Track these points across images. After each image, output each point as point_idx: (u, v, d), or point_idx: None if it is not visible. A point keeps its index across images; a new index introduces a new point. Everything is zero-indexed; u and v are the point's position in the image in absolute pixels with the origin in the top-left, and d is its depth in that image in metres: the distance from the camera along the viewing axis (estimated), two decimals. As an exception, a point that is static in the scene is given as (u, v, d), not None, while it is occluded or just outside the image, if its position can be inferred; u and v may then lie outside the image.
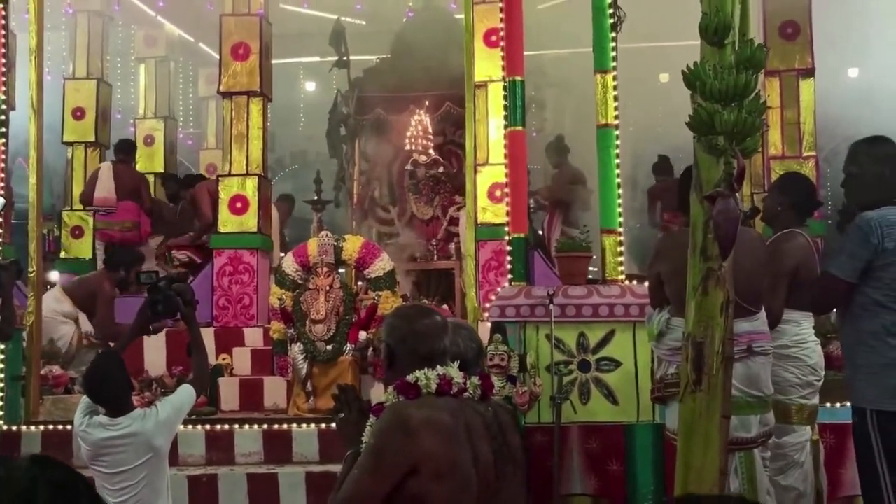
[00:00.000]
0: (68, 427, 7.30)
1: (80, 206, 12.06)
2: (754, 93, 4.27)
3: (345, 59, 12.37)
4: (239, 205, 9.90)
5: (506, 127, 7.30)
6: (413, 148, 11.37)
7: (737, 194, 4.15)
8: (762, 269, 5.37)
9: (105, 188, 11.55)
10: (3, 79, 8.00)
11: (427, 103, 11.59)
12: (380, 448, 3.21)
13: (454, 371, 3.39)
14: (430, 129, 11.41)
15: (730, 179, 4.14)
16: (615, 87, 7.20)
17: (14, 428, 7.65)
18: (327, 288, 8.38)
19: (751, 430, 5.23)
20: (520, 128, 7.24)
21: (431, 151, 11.34)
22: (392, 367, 3.43)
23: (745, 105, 4.16)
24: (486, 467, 3.33)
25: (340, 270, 9.37)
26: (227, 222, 9.93)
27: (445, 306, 10.48)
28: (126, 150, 12.04)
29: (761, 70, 4.35)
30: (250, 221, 9.90)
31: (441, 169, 11.32)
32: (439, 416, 3.22)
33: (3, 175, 7.91)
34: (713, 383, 4.29)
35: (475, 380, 3.52)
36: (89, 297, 9.29)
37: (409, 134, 11.40)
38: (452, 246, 11.18)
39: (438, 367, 3.40)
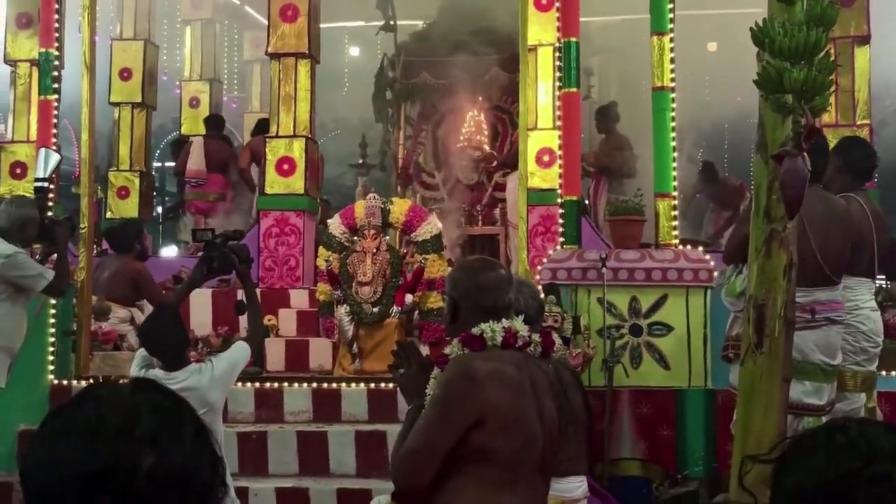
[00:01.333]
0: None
1: (127, 167, 12.15)
2: (824, 51, 4.20)
3: (392, 22, 12.30)
4: (286, 166, 9.88)
5: (559, 89, 7.25)
6: (467, 144, 11.29)
7: (805, 154, 4.09)
8: (848, 235, 5.32)
9: (197, 161, 11.83)
10: (57, 35, 8.02)
11: (474, 67, 11.51)
12: (445, 399, 3.19)
13: (519, 324, 3.36)
14: (485, 125, 11.32)
15: (798, 139, 4.08)
16: (672, 50, 7.12)
17: (65, 382, 7.72)
18: (374, 250, 8.36)
19: (823, 397, 5.22)
20: (574, 89, 7.19)
21: (486, 147, 11.26)
22: (455, 320, 3.41)
23: (815, 63, 4.10)
24: (550, 423, 3.31)
25: (387, 234, 9.36)
26: (274, 184, 9.92)
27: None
28: (216, 124, 12.32)
29: (832, 28, 4.27)
30: (297, 183, 9.89)
31: (494, 163, 11.28)
32: (505, 368, 3.20)
33: (55, 132, 7.94)
34: (774, 346, 4.26)
35: (536, 337, 3.49)
36: (130, 290, 9.05)
37: (464, 130, 11.32)
38: (497, 211, 11.13)
39: (504, 319, 3.37)
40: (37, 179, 8.01)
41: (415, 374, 3.48)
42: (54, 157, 8.03)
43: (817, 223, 5.14)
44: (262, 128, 12.09)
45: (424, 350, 8.34)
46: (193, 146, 12.00)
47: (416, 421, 3.33)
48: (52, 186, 8.19)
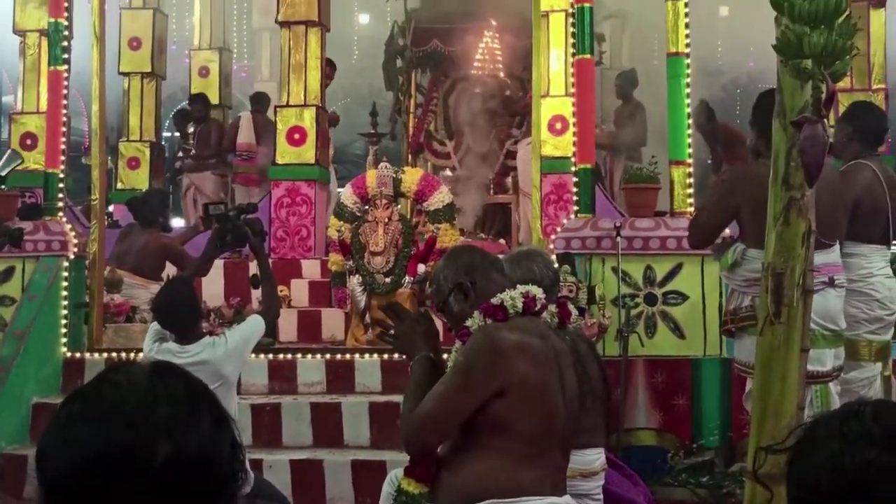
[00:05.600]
0: (131, 354, 7.35)
1: (137, 137, 12.15)
2: (845, 14, 4.12)
3: (403, -11, 12.20)
4: (297, 136, 9.84)
5: (573, 55, 7.17)
6: (482, 71, 11.20)
7: (824, 120, 4.02)
8: (837, 198, 5.25)
9: (246, 136, 11.81)
10: (66, 4, 7.96)
11: (486, 34, 11.41)
12: (469, 366, 3.16)
13: (535, 289, 3.35)
14: (499, 54, 11.20)
15: (818, 105, 4.01)
16: (686, 15, 7.03)
17: (77, 355, 7.71)
18: (386, 220, 8.32)
19: (826, 363, 5.15)
20: (588, 56, 7.11)
21: (501, 75, 11.15)
22: (468, 299, 3.36)
23: (836, 27, 4.02)
24: (572, 395, 3.29)
25: (398, 204, 9.31)
26: (285, 153, 9.88)
27: (502, 241, 10.40)
28: (261, 101, 12.31)
29: (852, -10, 4.19)
30: (308, 153, 9.84)
31: (507, 92, 11.14)
32: (530, 339, 3.18)
33: (66, 103, 7.90)
34: (793, 315, 4.20)
35: (552, 307, 3.47)
36: (160, 265, 8.90)
37: (477, 57, 11.22)
38: (509, 180, 11.07)
39: (519, 286, 3.36)
40: None
41: (408, 329, 3.45)
42: (16, 160, 8.07)
43: None
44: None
45: (439, 323, 8.32)
46: (243, 120, 12.01)
47: (421, 377, 3.31)
48: (3, 187, 8.20)
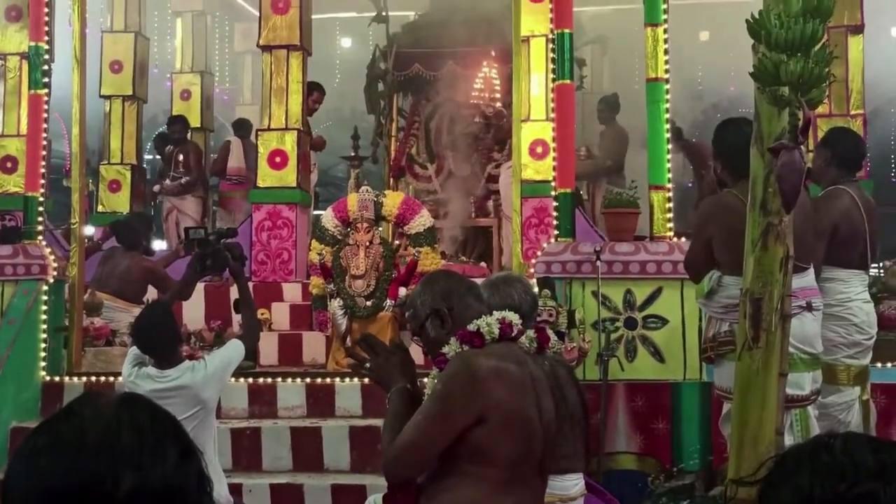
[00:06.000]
0: (110, 378, 7.33)
1: (118, 160, 12.12)
2: (821, 42, 4.16)
3: (384, 13, 12.24)
4: (278, 159, 9.85)
5: (554, 80, 7.21)
6: (481, 101, 11.22)
7: (801, 147, 4.06)
8: (809, 223, 5.28)
9: (237, 160, 11.93)
10: (47, 28, 7.95)
11: (466, 59, 11.46)
12: (447, 395, 3.16)
13: (511, 315, 3.36)
14: (498, 82, 11.22)
15: (795, 131, 4.05)
16: (666, 41, 7.08)
17: (57, 379, 7.66)
18: (367, 243, 8.33)
19: (804, 387, 5.17)
20: (568, 81, 7.14)
21: (498, 104, 11.18)
22: (444, 325, 3.36)
23: (812, 55, 4.06)
24: (549, 421, 3.29)
25: (380, 227, 9.32)
26: (267, 177, 9.88)
27: (483, 264, 10.42)
28: (246, 127, 12.35)
29: (829, 19, 4.24)
30: (289, 176, 9.85)
31: (504, 121, 11.19)
32: (507, 365, 3.18)
33: (46, 126, 7.89)
34: (771, 340, 4.22)
35: (531, 332, 3.47)
36: (143, 289, 8.90)
37: (476, 86, 11.24)
38: (490, 203, 11.10)
39: (495, 312, 3.36)
40: None
41: (384, 362, 3.45)
42: None
43: None
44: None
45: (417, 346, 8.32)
46: (234, 146, 12.11)
47: (399, 408, 3.31)
48: None
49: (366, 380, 7.28)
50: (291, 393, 7.51)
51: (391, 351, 3.48)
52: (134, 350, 5.21)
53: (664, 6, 7.13)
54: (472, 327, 3.27)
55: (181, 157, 11.93)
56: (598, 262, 6.65)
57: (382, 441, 3.31)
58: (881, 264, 7.68)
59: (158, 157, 13.66)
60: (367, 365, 3.48)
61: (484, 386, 3.12)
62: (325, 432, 7.12)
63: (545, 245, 7.25)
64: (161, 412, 1.54)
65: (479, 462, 3.15)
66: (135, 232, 9.17)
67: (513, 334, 3.29)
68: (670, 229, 7.08)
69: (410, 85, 12.33)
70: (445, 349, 3.29)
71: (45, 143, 7.99)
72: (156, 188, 12.31)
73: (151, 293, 8.73)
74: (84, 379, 7.65)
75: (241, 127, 12.44)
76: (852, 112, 9.99)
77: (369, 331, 8.14)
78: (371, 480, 6.44)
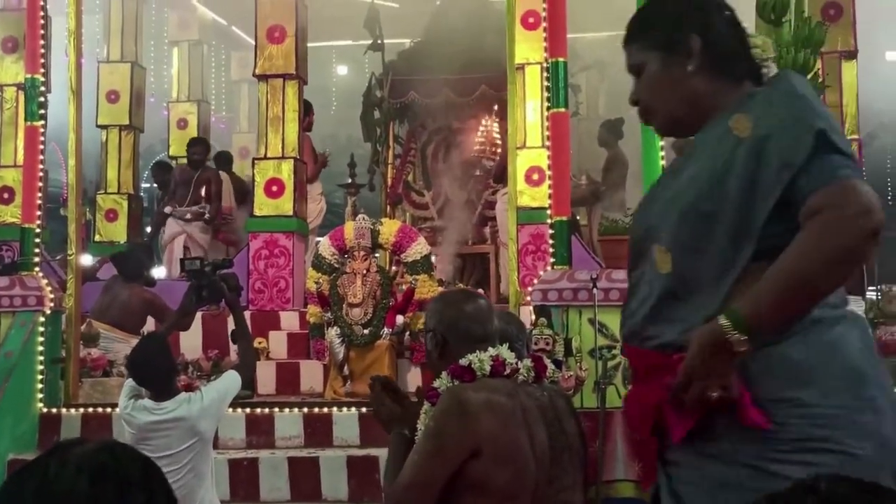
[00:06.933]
0: (108, 410, 7.32)
1: (115, 190, 12.14)
2: (813, 72, 4.19)
3: (379, 41, 12.28)
4: (275, 188, 9.85)
5: (548, 109, 7.23)
6: (481, 153, 11.24)
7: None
8: None
9: (227, 199, 11.81)
10: (43, 60, 7.98)
11: (462, 86, 11.50)
12: (439, 431, 3.16)
13: (506, 352, 3.34)
14: (496, 134, 11.24)
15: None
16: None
17: (54, 410, 7.65)
18: (364, 272, 8.35)
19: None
20: (563, 109, 7.17)
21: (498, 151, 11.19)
22: (443, 355, 3.36)
23: (805, 84, 4.08)
24: (542, 451, 3.28)
25: (376, 255, 9.33)
26: (263, 206, 9.89)
27: (480, 290, 10.41)
28: (230, 160, 12.42)
29: (820, 48, 4.26)
30: (286, 205, 9.86)
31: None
32: (497, 398, 3.17)
33: (42, 158, 7.90)
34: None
35: (528, 362, 3.46)
36: (143, 320, 8.90)
37: (477, 139, 11.26)
38: (487, 230, 11.10)
39: (490, 348, 3.35)
40: None
41: (389, 406, 3.45)
42: None
43: None
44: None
45: (416, 372, 8.34)
46: (224, 184, 11.86)
47: (399, 449, 3.31)
48: None
49: (364, 409, 7.33)
50: (289, 423, 7.50)
51: (398, 397, 3.48)
52: (130, 382, 5.18)
53: (658, 33, 7.15)
54: (464, 362, 3.27)
55: (203, 187, 11.47)
56: (595, 290, 6.66)
57: (384, 483, 3.31)
58: (878, 288, 7.68)
59: (156, 185, 13.60)
60: (373, 409, 3.49)
61: (475, 419, 3.11)
62: (323, 462, 7.10)
63: (541, 273, 7.25)
64: (135, 461, 1.54)
65: (475, 495, 3.14)
66: (136, 263, 9.14)
67: (504, 373, 3.28)
68: (667, 256, 7.06)
69: (406, 112, 12.38)
70: (437, 383, 3.29)
71: (41, 174, 8.01)
72: (167, 209, 11.62)
73: (151, 324, 8.72)
74: (81, 410, 7.64)
75: (224, 161, 12.34)
76: (848, 137, 10.00)
77: (366, 359, 8.16)
78: (369, 510, 6.43)
